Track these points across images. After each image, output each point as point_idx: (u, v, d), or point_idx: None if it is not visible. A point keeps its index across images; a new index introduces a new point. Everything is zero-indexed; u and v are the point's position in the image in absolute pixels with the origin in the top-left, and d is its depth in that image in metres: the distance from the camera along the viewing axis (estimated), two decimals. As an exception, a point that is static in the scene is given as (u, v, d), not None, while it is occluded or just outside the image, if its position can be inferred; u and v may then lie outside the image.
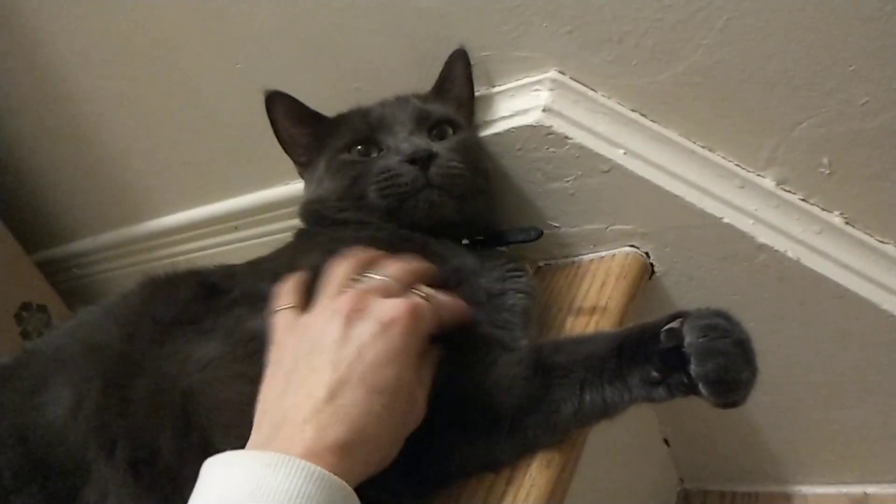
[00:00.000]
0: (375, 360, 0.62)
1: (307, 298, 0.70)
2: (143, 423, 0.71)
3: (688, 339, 0.64)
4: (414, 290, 0.69)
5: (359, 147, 0.90)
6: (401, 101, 0.96)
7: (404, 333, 0.64)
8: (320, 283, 0.71)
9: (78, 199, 1.57)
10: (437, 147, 0.88)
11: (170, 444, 0.69)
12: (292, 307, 0.70)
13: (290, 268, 0.79)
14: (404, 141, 0.89)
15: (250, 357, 0.71)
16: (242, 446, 0.61)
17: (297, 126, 0.96)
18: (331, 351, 0.62)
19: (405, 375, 0.63)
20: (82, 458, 0.71)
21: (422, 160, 0.85)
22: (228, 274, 0.86)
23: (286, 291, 0.72)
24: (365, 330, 0.63)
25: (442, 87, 1.00)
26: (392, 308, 0.64)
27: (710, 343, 0.63)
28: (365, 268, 0.71)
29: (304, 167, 0.99)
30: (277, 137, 0.98)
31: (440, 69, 1.00)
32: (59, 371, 0.76)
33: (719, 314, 0.65)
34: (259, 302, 0.75)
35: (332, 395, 0.60)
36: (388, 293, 0.67)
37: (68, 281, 1.68)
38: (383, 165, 0.86)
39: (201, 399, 0.70)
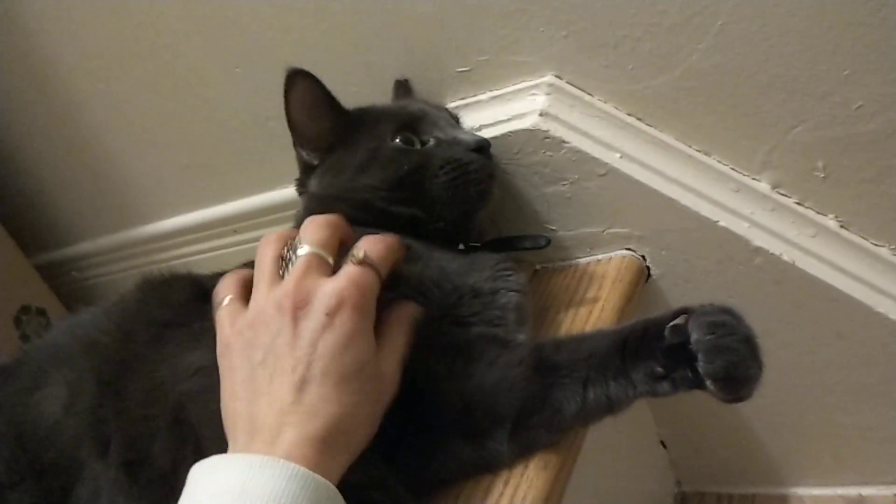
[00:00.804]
0: (333, 351, 0.61)
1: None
2: (137, 425, 0.71)
3: (695, 336, 0.64)
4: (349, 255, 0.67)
5: (398, 138, 0.89)
6: (420, 101, 0.99)
7: (353, 314, 0.62)
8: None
9: (77, 203, 1.58)
10: None
11: (164, 451, 0.69)
12: (234, 300, 0.68)
13: None
14: (460, 132, 0.91)
15: None
16: None
17: (316, 111, 0.91)
18: (285, 355, 0.61)
19: (364, 352, 0.63)
20: (75, 456, 0.71)
21: (486, 149, 0.88)
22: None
23: (227, 285, 0.70)
24: (313, 324, 0.62)
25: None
26: (334, 292, 0.63)
27: (717, 340, 0.63)
28: (290, 242, 0.68)
29: (312, 153, 0.93)
30: (289, 118, 0.91)
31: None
32: (55, 369, 0.77)
33: (724, 310, 0.66)
34: None
35: (300, 395, 0.60)
36: (321, 269, 0.65)
37: (67, 284, 1.69)
38: (448, 156, 0.86)
39: (192, 410, 0.69)
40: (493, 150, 0.93)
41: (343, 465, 0.59)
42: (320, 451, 0.57)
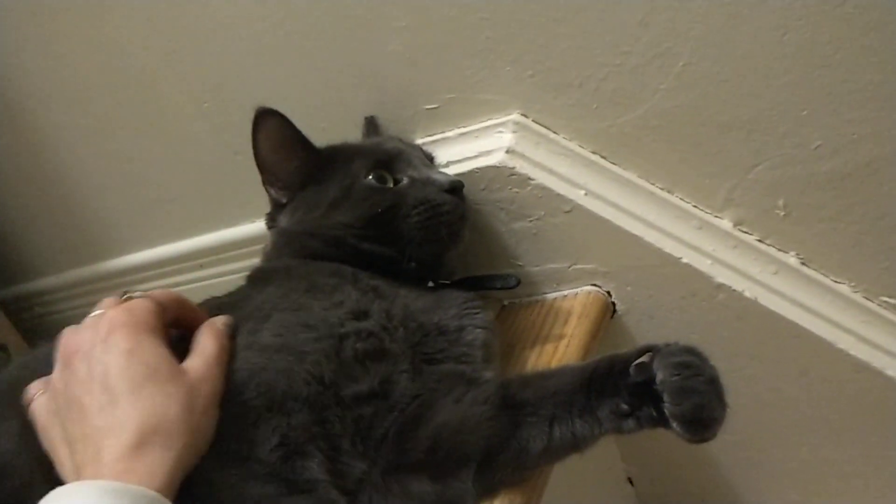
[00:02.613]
0: (116, 368, 0.63)
1: None
2: None
3: (660, 377, 0.65)
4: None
5: (371, 176, 0.88)
6: (394, 138, 0.99)
7: (125, 331, 0.65)
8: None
9: (41, 236, 1.56)
10: None
11: None
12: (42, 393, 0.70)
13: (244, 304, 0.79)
14: (434, 173, 0.91)
15: None
16: None
17: (285, 150, 0.90)
18: (80, 393, 0.64)
19: (150, 359, 0.65)
20: (28, 493, 0.70)
21: (459, 190, 0.88)
22: None
23: (34, 386, 0.71)
24: (90, 353, 0.65)
25: None
26: (105, 321, 0.67)
27: (683, 381, 0.64)
28: None
29: (282, 192, 0.92)
30: (256, 157, 0.90)
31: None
32: (9, 404, 0.75)
33: (689, 350, 0.67)
34: None
35: (105, 416, 0.62)
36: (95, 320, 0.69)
37: (30, 319, 1.66)
38: (421, 196, 0.86)
39: None
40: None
41: (169, 462, 0.60)
42: (136, 458, 0.59)
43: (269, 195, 0.95)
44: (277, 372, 0.68)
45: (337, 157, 0.92)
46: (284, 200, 0.93)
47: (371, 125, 1.05)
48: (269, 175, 0.92)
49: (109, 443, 0.60)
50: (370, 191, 0.88)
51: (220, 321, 0.73)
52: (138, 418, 0.61)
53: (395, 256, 0.86)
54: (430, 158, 0.98)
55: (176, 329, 0.73)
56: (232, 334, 0.72)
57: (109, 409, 0.62)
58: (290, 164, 0.91)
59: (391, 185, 0.89)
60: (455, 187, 0.88)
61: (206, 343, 0.69)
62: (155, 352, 0.66)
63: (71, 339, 0.68)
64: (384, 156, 0.91)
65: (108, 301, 0.72)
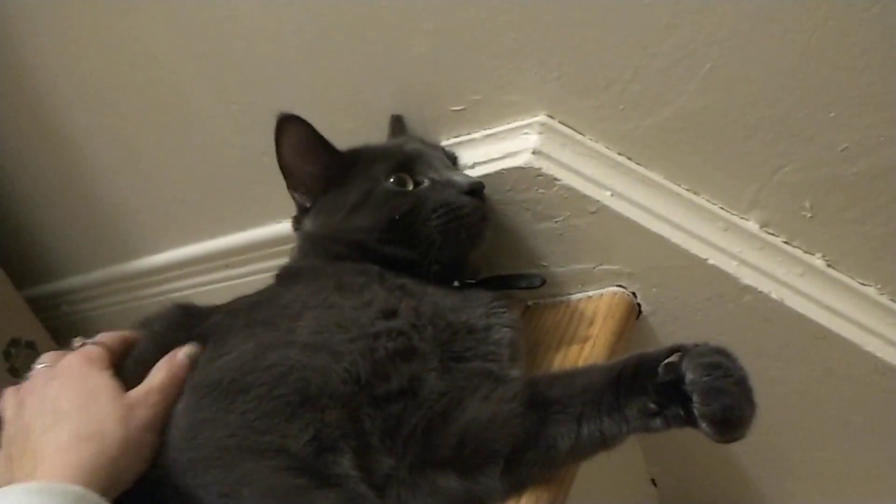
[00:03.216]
0: (67, 394, 0.72)
1: None
2: None
3: (690, 377, 0.65)
4: None
5: (392, 178, 0.89)
6: (416, 139, 0.99)
7: (75, 366, 0.75)
8: None
9: (69, 236, 1.58)
10: None
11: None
12: None
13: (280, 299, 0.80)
14: (454, 174, 0.90)
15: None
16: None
17: (307, 154, 0.91)
18: (35, 418, 0.71)
19: (97, 384, 0.73)
20: None
21: (479, 192, 0.88)
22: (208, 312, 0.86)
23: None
24: (49, 387, 0.74)
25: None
26: (58, 366, 0.77)
27: (713, 382, 0.64)
28: None
29: (306, 196, 0.94)
30: (280, 162, 0.92)
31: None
32: None
33: (719, 351, 0.67)
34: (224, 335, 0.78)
35: (49, 431, 0.68)
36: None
37: (58, 318, 1.68)
38: (441, 198, 0.86)
39: (172, 469, 0.68)
40: (486, 188, 0.94)
41: (101, 463, 0.65)
42: (65, 454, 0.65)
43: (294, 199, 0.96)
44: (314, 370, 0.69)
45: (358, 160, 0.92)
46: (308, 204, 0.94)
47: (397, 123, 1.06)
48: (292, 179, 0.94)
49: (47, 451, 0.66)
50: (390, 194, 0.88)
51: (182, 352, 0.77)
52: (74, 427, 0.68)
53: (418, 259, 0.86)
54: (452, 159, 0.98)
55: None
56: (192, 364, 0.76)
57: (52, 426, 0.69)
58: (312, 168, 0.92)
59: (411, 188, 0.89)
60: (475, 189, 0.88)
61: (155, 374, 0.75)
62: (99, 380, 0.74)
63: (23, 386, 0.77)
64: (404, 158, 0.91)
65: (50, 355, 0.81)
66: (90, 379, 0.74)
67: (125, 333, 0.83)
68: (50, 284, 1.67)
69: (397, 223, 0.86)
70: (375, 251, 0.87)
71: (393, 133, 1.05)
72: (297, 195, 0.95)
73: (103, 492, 0.63)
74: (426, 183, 0.89)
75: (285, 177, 0.94)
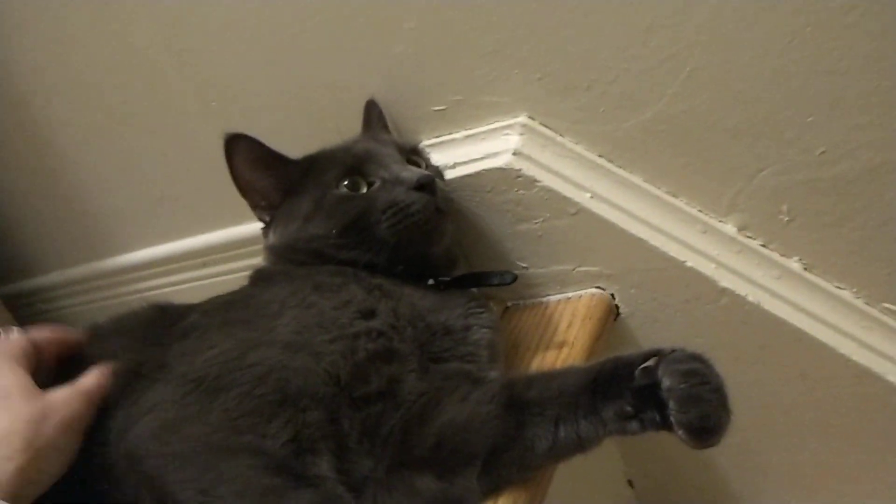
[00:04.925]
0: None
1: None
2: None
3: (667, 384, 0.65)
4: None
5: (345, 182, 0.88)
6: (372, 136, 0.98)
7: None
8: None
9: (46, 233, 1.56)
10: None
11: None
12: None
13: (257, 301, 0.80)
14: (403, 170, 0.88)
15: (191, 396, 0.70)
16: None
17: (261, 169, 0.91)
18: None
19: (7, 380, 0.70)
20: None
21: (429, 185, 0.86)
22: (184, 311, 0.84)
23: None
24: None
25: (370, 130, 1.02)
26: None
27: (690, 390, 0.64)
28: None
29: (265, 210, 0.95)
30: (235, 182, 0.92)
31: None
32: None
33: (695, 357, 0.67)
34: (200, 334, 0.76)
35: None
36: None
37: (34, 315, 1.66)
38: (389, 198, 0.85)
39: (147, 459, 0.67)
40: (467, 188, 0.95)
41: (8, 472, 0.63)
42: None
43: (257, 216, 0.96)
44: (295, 370, 0.69)
45: (312, 167, 0.92)
46: (268, 219, 0.94)
47: (371, 110, 1.05)
48: (251, 196, 0.94)
49: None
50: (339, 200, 0.87)
51: (110, 367, 0.75)
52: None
53: (378, 261, 0.86)
54: (409, 150, 0.96)
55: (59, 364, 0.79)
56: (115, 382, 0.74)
57: None
58: (267, 182, 0.92)
59: (365, 190, 0.88)
60: (423, 183, 0.86)
61: (85, 379, 0.73)
62: (11, 377, 0.70)
63: None
64: (353, 161, 0.90)
65: None
66: (2, 377, 0.70)
67: (66, 335, 0.81)
68: (26, 282, 1.65)
69: (350, 228, 0.86)
70: (333, 257, 0.86)
71: (367, 119, 1.04)
72: (258, 212, 0.95)
73: (12, 498, 0.62)
74: (377, 183, 0.88)
75: (244, 195, 0.94)
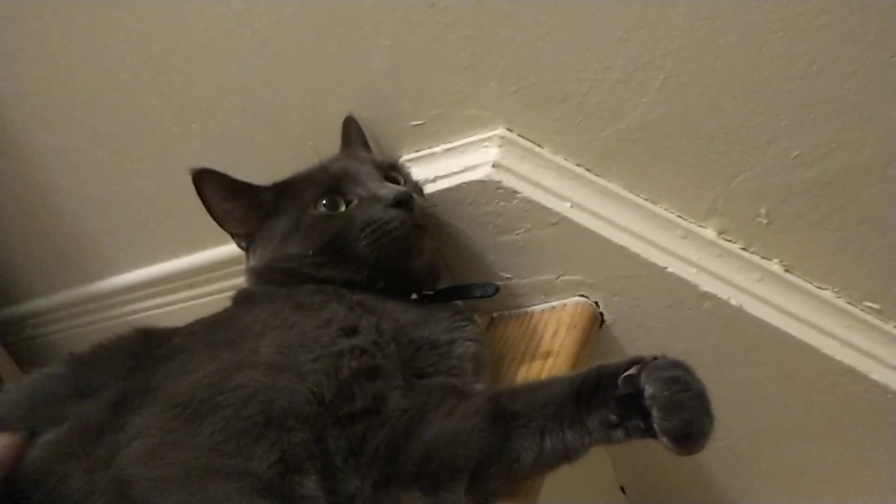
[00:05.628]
0: None
1: None
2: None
3: (650, 391, 0.65)
4: None
5: (324, 201, 0.89)
6: (349, 154, 0.98)
7: None
8: None
9: (30, 258, 1.56)
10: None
11: None
12: None
13: (241, 322, 0.80)
14: (380, 188, 0.89)
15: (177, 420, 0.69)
16: None
17: (231, 199, 0.93)
18: None
19: None
20: None
21: (406, 202, 0.86)
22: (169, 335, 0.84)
23: None
24: None
25: (349, 147, 1.03)
26: None
27: (672, 397, 0.65)
28: None
29: (243, 237, 0.96)
30: (210, 213, 0.93)
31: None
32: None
33: (677, 365, 0.67)
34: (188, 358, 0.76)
35: None
36: None
37: (21, 341, 1.66)
38: (367, 216, 0.86)
39: (134, 485, 0.65)
40: (448, 201, 0.95)
41: None
42: None
43: (236, 244, 0.98)
44: (279, 391, 0.69)
45: (287, 190, 0.93)
46: (245, 245, 0.96)
47: (349, 126, 1.05)
48: (228, 225, 0.95)
49: None
50: (317, 220, 0.88)
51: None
52: None
53: (358, 278, 0.86)
54: (387, 167, 0.96)
55: None
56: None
57: None
58: (239, 210, 0.94)
59: (344, 209, 0.89)
60: (401, 200, 0.86)
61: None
62: None
63: None
64: (330, 181, 0.91)
65: None
66: None
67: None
68: (12, 308, 1.64)
69: (328, 247, 0.87)
70: (312, 276, 0.87)
71: (346, 135, 1.05)
72: (236, 239, 0.97)
73: None
74: (355, 201, 0.89)
75: (221, 225, 0.95)
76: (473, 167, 0.99)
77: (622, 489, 1.24)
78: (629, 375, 0.68)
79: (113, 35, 1.15)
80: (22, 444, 0.70)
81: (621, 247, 0.96)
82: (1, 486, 0.67)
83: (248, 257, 0.96)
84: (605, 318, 1.03)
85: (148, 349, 0.80)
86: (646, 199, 0.97)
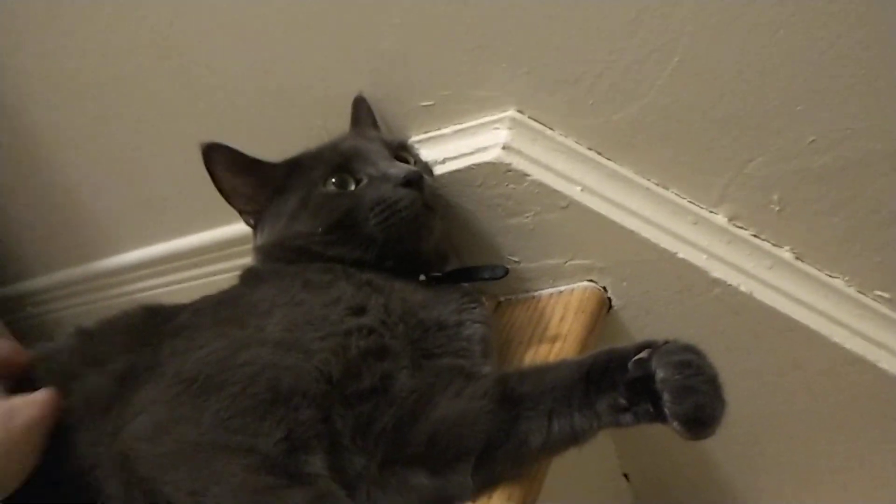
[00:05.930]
0: None
1: None
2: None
3: (661, 375, 0.65)
4: None
5: (333, 180, 0.88)
6: (359, 133, 0.98)
7: None
8: None
9: (34, 236, 1.55)
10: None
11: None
12: None
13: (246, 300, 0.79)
14: (390, 167, 0.88)
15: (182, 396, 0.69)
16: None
17: (240, 175, 0.92)
18: None
19: None
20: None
21: (416, 182, 0.86)
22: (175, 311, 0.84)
23: None
24: None
25: (359, 126, 1.02)
26: None
27: (684, 381, 0.64)
28: None
29: (251, 214, 0.96)
30: (219, 189, 0.93)
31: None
32: None
33: (689, 349, 0.67)
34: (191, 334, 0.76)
35: None
36: None
37: (23, 319, 1.66)
38: (377, 195, 0.85)
39: (140, 460, 0.66)
40: (457, 183, 0.94)
41: None
42: None
43: (244, 220, 0.97)
44: (286, 368, 0.69)
45: (296, 168, 0.93)
46: (253, 222, 0.95)
47: (359, 106, 1.05)
48: (236, 201, 0.94)
49: None
50: (326, 198, 0.88)
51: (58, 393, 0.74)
52: None
53: (367, 258, 0.86)
54: (397, 147, 0.96)
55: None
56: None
57: None
58: (248, 186, 0.93)
59: (353, 188, 0.88)
60: (411, 179, 0.86)
61: (39, 394, 0.71)
62: None
63: None
64: (340, 159, 0.90)
65: None
66: None
67: (16, 355, 0.78)
68: (15, 286, 1.64)
69: (337, 225, 0.86)
70: (321, 254, 0.86)
71: (355, 115, 1.04)
72: (244, 216, 0.96)
73: None
74: (365, 180, 0.89)
75: (228, 201, 0.94)
76: (483, 149, 0.98)
77: (626, 476, 1.24)
78: (640, 359, 0.67)
79: (122, 13, 1.14)
80: (59, 399, 0.71)
81: (631, 231, 0.95)
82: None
83: (255, 235, 0.95)
84: (614, 303, 1.03)
85: (154, 325, 0.79)
86: (657, 184, 0.96)
